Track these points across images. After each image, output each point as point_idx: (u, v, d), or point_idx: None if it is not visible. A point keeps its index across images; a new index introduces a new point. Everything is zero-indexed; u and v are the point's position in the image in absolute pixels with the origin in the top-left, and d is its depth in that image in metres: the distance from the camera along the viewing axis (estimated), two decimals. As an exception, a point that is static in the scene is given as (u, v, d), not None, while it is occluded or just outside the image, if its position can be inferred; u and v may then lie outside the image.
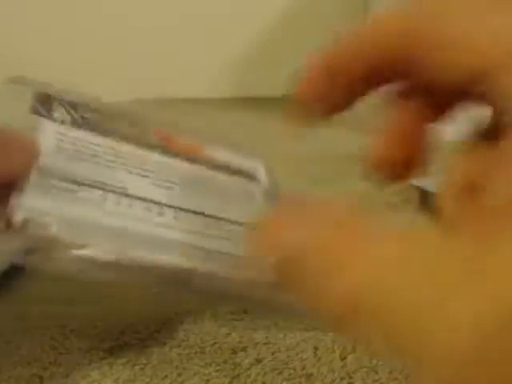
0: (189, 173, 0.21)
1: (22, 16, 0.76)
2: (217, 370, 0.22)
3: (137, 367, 0.22)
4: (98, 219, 0.17)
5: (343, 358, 0.23)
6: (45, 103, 0.19)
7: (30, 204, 0.16)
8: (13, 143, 0.17)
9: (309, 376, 0.22)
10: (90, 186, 0.18)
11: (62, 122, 0.19)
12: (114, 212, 0.18)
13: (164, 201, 0.19)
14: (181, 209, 0.19)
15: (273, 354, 0.23)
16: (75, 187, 0.18)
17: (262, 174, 0.23)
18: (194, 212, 0.20)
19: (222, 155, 0.23)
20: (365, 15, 0.81)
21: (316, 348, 0.24)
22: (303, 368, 0.22)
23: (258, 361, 0.23)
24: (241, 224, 0.20)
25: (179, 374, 0.22)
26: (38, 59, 0.72)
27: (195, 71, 0.82)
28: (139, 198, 0.19)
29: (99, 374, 0.22)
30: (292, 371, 0.22)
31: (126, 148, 0.20)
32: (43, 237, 0.16)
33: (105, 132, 0.20)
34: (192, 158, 0.22)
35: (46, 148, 0.18)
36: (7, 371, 0.22)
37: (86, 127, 0.20)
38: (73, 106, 0.20)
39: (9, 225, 0.16)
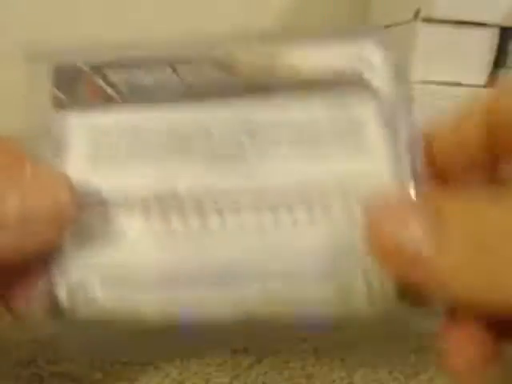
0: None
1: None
2: (217, 370, 0.22)
3: (137, 367, 0.22)
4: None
5: (343, 358, 0.23)
6: (67, 80, 0.13)
7: (71, 274, 0.13)
8: (35, 201, 0.12)
9: (309, 376, 0.22)
10: (132, 205, 0.13)
11: (90, 105, 0.13)
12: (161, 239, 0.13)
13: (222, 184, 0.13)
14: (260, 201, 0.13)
15: (273, 353, 0.23)
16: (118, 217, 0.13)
17: (377, 63, 0.14)
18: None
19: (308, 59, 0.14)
20: (365, 15, 0.81)
21: (316, 348, 0.24)
22: (303, 368, 0.22)
23: (258, 361, 0.23)
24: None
25: (179, 374, 0.22)
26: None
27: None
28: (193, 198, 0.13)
29: (100, 373, 0.22)
30: (292, 371, 0.22)
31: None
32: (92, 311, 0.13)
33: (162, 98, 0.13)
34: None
35: (77, 170, 0.13)
36: (7, 371, 0.22)
37: (134, 98, 0.13)
38: (100, 69, 0.13)
39: (54, 307, 0.13)
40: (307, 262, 0.13)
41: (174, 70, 0.13)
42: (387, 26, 0.76)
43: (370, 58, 0.14)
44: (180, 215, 0.13)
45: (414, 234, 0.11)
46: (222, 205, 0.13)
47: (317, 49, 0.14)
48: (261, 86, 0.13)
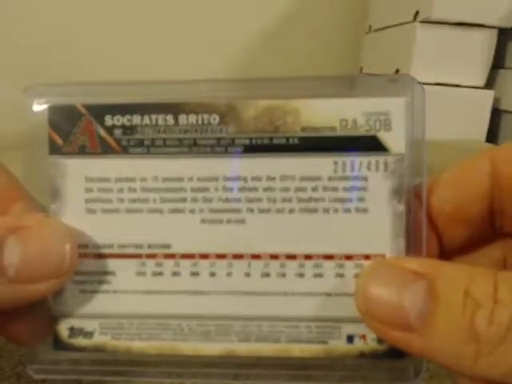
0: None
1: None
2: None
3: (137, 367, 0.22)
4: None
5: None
6: (65, 122, 0.13)
7: (70, 312, 0.14)
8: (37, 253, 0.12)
9: (309, 376, 0.22)
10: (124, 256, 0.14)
11: (87, 152, 0.13)
12: (153, 290, 0.13)
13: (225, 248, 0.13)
14: (253, 256, 0.13)
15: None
16: (109, 268, 0.14)
17: (398, 125, 0.13)
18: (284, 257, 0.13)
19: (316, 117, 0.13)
20: (365, 16, 0.81)
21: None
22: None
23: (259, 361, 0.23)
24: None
25: (179, 375, 0.22)
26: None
27: (194, 73, 0.82)
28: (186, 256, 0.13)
29: (100, 373, 0.22)
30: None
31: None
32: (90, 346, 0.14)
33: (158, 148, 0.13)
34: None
35: (74, 219, 0.13)
36: (7, 371, 0.22)
37: (132, 146, 0.13)
38: (99, 113, 0.13)
39: (57, 340, 0.14)
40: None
41: (176, 120, 0.13)
42: (387, 27, 0.76)
43: (390, 118, 0.13)
44: (172, 270, 0.13)
45: (401, 303, 0.11)
46: (217, 267, 0.13)
47: (332, 100, 0.13)
48: (264, 141, 0.13)
